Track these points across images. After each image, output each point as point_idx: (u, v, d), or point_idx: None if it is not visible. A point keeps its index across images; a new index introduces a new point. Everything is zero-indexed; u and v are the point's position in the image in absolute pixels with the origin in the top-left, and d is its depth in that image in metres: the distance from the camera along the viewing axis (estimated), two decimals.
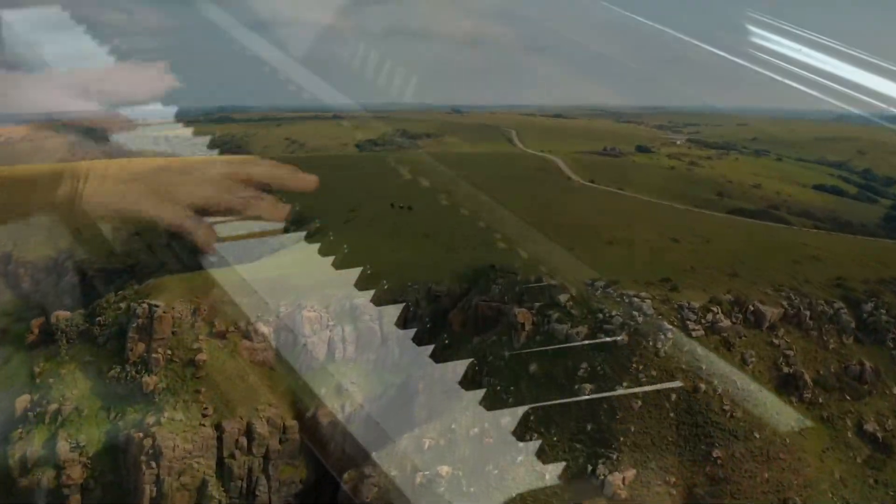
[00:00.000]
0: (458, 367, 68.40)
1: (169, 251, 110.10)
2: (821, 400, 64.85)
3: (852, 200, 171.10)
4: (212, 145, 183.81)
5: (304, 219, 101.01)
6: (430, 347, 72.62)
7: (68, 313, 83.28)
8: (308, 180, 5.52)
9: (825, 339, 68.38)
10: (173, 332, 74.82)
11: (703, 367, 61.23)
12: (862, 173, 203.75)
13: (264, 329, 74.01)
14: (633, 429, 58.61)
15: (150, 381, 72.16)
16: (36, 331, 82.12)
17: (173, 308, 75.85)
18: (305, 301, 74.64)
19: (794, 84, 28.11)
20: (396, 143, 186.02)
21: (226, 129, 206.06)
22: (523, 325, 66.77)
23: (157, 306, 75.59)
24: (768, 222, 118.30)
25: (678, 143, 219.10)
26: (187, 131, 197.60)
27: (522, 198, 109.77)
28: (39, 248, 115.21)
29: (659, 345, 61.72)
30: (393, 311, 75.06)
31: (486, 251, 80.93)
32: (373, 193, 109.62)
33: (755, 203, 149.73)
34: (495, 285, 72.91)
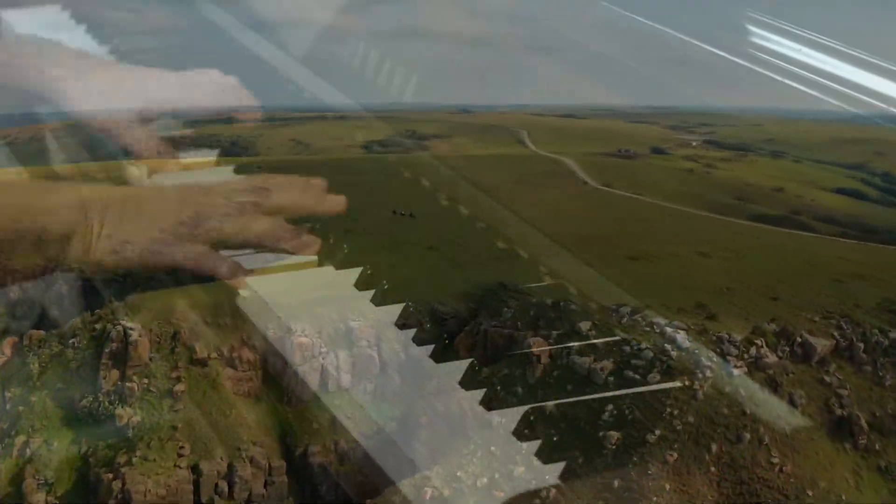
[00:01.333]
0: (465, 401, 59.14)
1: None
2: (877, 446, 55.11)
3: (875, 205, 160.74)
4: (217, 147, 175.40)
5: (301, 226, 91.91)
6: (434, 376, 63.44)
7: (42, 333, 74.47)
8: (336, 202, 4.89)
9: (881, 374, 58.53)
10: (150, 359, 65.87)
11: (748, 412, 51.68)
12: (882, 176, 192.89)
13: (250, 356, 64.81)
14: (668, 487, 48.95)
15: (123, 413, 63.12)
16: (8, 351, 73.18)
17: (151, 331, 66.80)
18: (295, 324, 65.35)
19: (795, 84, 24.30)
20: (403, 144, 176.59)
21: (231, 129, 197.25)
22: (539, 357, 57.38)
23: (132, 329, 66.61)
24: (795, 231, 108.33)
25: (693, 144, 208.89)
26: (191, 132, 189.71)
27: (535, 204, 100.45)
28: (28, 255, 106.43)
29: (696, 385, 52.17)
30: (393, 335, 65.79)
31: (496, 267, 71.55)
32: (375, 199, 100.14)
33: (777, 208, 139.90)
34: (507, 308, 63.44)
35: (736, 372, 53.29)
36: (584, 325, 57.96)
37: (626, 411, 51.97)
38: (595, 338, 57.05)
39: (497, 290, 66.77)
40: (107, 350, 66.41)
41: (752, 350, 54.94)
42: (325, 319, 65.70)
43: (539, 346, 57.64)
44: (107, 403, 64.72)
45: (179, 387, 63.45)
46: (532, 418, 54.77)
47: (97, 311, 74.45)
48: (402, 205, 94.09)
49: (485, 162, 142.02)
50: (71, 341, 69.81)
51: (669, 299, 61.99)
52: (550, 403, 54.84)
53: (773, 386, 54.06)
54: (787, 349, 56.69)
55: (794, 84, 26.68)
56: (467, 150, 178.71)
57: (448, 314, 66.19)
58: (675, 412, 51.22)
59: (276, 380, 64.66)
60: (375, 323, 65.46)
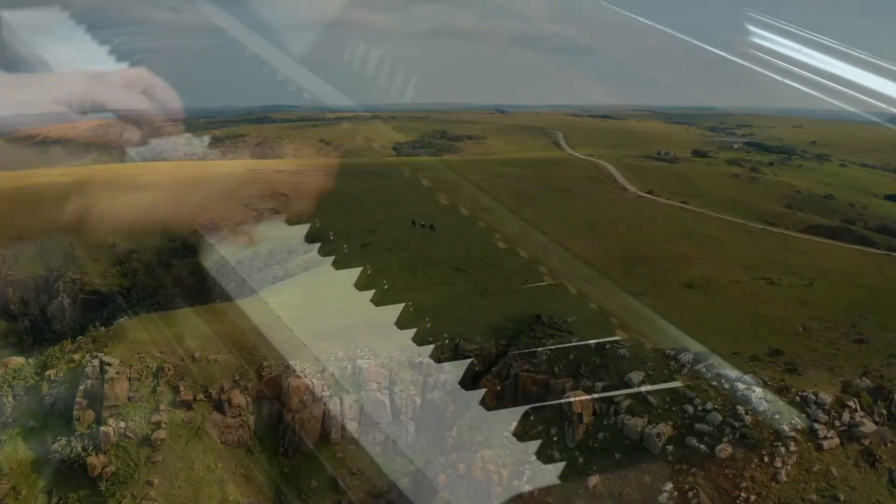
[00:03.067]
0: (491, 462, 47.79)
1: (167, 272, 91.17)
2: None
3: None
4: (241, 147, 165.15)
5: (319, 238, 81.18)
6: (455, 427, 52.20)
7: (22, 360, 64.45)
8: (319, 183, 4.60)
9: None
10: (129, 399, 55.38)
11: (842, 498, 39.68)
12: None
13: (241, 399, 53.88)
14: None
15: (96, 462, 52.85)
16: None
17: (131, 367, 56.26)
18: (295, 362, 54.32)
19: (795, 84, 23.73)
20: (435, 145, 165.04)
21: (261, 129, 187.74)
22: (580, 415, 45.77)
23: (109, 365, 56.14)
24: (857, 246, 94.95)
25: (735, 146, 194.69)
26: (219, 133, 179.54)
27: (573, 216, 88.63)
28: (30, 266, 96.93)
29: (778, 462, 40.18)
30: (408, 377, 54.56)
31: (531, 295, 60.09)
32: (398, 208, 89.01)
33: (829, 217, 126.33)
34: (543, 348, 51.85)
35: (826, 444, 41.26)
36: (636, 376, 46.22)
37: (690, 492, 40.19)
38: (650, 392, 45.29)
39: (532, 325, 55.26)
40: (81, 387, 56.13)
41: (845, 415, 42.76)
42: (330, 357, 54.58)
43: (581, 401, 46.05)
44: (80, 449, 54.38)
45: (159, 434, 52.83)
46: (571, 492, 43.24)
47: (79, 337, 64.37)
48: (424, 214, 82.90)
49: (518, 166, 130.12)
50: (48, 373, 59.68)
51: (737, 342, 49.95)
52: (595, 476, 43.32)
53: (870, 461, 41.93)
54: (885, 412, 44.44)
55: (795, 84, 25.40)
56: (500, 151, 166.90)
57: (473, 351, 54.81)
58: (752, 498, 39.37)
59: (270, 427, 53.74)
60: (387, 362, 54.26)
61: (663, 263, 68.14)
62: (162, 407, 54.29)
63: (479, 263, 67.97)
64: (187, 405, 54.14)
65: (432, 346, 55.19)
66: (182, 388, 54.72)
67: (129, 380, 55.72)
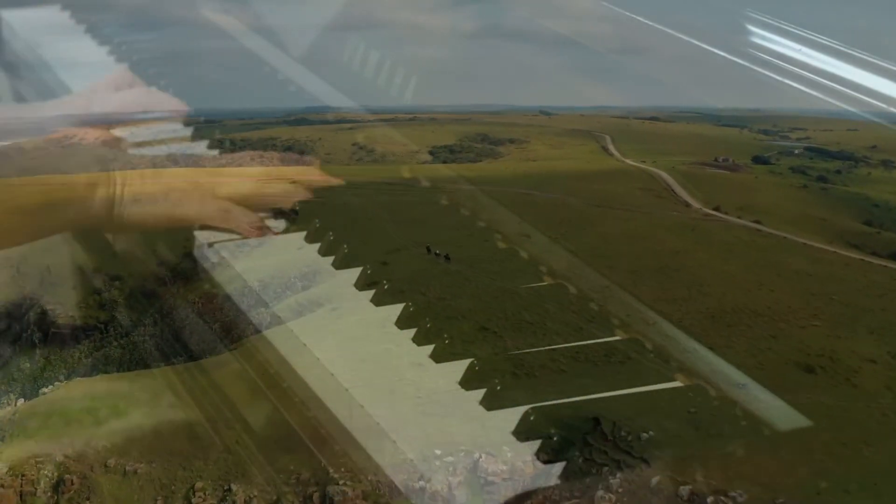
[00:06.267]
0: None
1: (150, 304, 72.97)
2: None
3: None
4: (270, 151, 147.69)
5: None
6: None
7: None
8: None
9: None
10: None
11: None
12: None
13: None
14: None
15: None
16: None
17: (23, 476, 37.80)
18: (239, 486, 35.17)
19: (795, 84, 16.44)
20: (475, 149, 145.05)
21: (293, 132, 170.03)
22: None
23: None
24: None
25: (796, 152, 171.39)
26: (250, 136, 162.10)
27: (633, 244, 68.26)
28: (3, 291, 79.52)
29: None
30: None
31: (586, 382, 40.10)
32: (422, 231, 69.53)
33: None
34: (604, 490, 31.83)
35: None
36: None
37: None
38: None
39: (586, 436, 35.29)
40: None
41: None
42: (291, 479, 35.33)
43: None
44: None
45: None
46: None
47: None
48: (451, 240, 63.65)
49: (565, 176, 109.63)
50: None
51: None
52: None
53: None
54: None
55: (795, 84, 14.62)
56: (544, 156, 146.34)
57: (499, 474, 35.13)
58: None
59: None
60: (372, 490, 34.76)
61: (761, 323, 47.58)
62: None
63: (514, 321, 48.16)
64: None
65: (440, 463, 35.68)
66: None
67: (21, 495, 37.37)
